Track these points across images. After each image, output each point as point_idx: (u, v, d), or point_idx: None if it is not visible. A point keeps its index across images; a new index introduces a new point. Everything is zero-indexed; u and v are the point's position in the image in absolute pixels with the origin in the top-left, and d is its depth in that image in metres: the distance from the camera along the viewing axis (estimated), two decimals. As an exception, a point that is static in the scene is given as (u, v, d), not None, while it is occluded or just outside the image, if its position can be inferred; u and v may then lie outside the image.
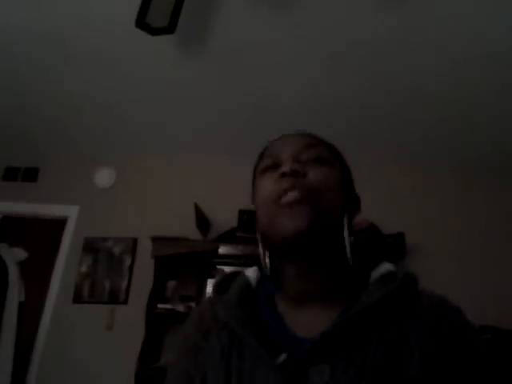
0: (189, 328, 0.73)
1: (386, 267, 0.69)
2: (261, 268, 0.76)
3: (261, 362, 0.60)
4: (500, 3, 2.16)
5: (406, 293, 0.64)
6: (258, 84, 2.88)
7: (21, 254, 3.32)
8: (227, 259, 3.10)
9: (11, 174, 3.77)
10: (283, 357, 0.59)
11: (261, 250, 0.74)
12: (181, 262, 3.16)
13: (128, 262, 3.39)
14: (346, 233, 0.66)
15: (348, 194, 0.72)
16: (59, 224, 3.57)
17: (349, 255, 0.65)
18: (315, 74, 2.76)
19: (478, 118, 3.02)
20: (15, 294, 3.12)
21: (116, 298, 3.29)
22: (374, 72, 2.70)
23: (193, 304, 3.03)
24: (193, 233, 3.25)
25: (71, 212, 3.59)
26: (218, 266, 3.17)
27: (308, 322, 0.64)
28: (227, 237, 3.18)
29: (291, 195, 0.63)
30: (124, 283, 3.32)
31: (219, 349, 0.65)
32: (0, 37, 2.59)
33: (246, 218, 3.24)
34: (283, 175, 0.66)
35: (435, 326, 0.61)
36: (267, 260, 0.73)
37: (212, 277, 3.18)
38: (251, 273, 0.76)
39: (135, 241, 3.45)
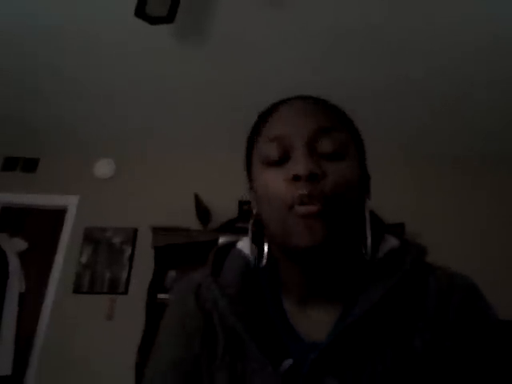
0: (186, 306, 0.66)
1: (390, 244, 0.65)
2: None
3: (264, 371, 0.56)
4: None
5: (410, 283, 0.60)
6: (257, 75, 2.84)
7: (21, 244, 3.32)
8: (227, 249, 3.10)
9: (11, 164, 3.76)
10: (288, 362, 0.56)
11: (250, 234, 0.66)
12: (181, 252, 3.15)
13: (128, 252, 3.39)
14: (368, 228, 0.61)
15: (363, 178, 0.65)
16: (59, 214, 3.56)
17: (369, 252, 0.60)
18: (316, 65, 2.73)
19: (481, 109, 2.99)
20: (15, 284, 3.12)
21: (116, 288, 3.29)
22: (374, 62, 2.67)
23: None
24: (193, 223, 3.25)
25: (71, 202, 3.58)
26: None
27: (311, 322, 0.61)
28: (227, 227, 3.17)
29: (307, 208, 0.55)
30: (124, 273, 3.32)
31: (223, 340, 0.60)
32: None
33: (246, 208, 3.24)
34: (297, 178, 0.56)
35: (440, 321, 0.58)
36: (265, 249, 0.65)
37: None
38: (246, 248, 0.68)
39: (135, 231, 3.45)
